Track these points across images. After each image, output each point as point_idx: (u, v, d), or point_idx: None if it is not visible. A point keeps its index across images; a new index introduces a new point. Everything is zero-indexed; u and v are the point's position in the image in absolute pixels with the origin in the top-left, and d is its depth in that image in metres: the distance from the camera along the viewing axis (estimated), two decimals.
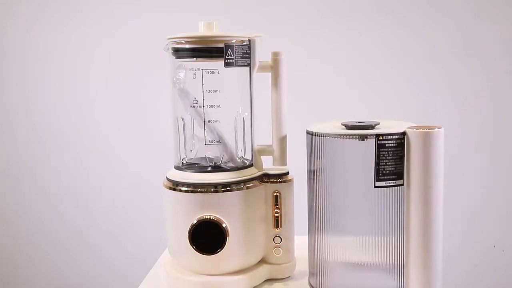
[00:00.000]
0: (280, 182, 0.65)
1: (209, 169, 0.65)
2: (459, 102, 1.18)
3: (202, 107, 0.65)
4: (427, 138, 0.53)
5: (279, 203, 0.65)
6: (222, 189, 0.62)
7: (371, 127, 0.56)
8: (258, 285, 0.66)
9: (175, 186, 0.63)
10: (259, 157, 0.68)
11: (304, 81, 1.19)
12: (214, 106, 0.65)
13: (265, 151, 0.68)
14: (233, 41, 0.63)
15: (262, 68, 0.66)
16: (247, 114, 0.67)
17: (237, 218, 0.62)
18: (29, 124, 1.32)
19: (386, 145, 0.54)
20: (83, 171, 1.32)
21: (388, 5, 1.17)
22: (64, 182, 1.33)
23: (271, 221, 0.66)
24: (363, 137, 0.55)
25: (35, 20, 1.27)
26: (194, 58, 0.64)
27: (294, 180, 0.66)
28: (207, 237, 0.62)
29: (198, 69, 0.64)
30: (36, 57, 1.29)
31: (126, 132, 1.28)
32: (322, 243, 0.60)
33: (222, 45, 0.62)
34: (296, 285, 0.66)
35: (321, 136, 0.58)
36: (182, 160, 0.68)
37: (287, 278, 0.68)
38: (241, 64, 0.64)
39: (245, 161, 0.68)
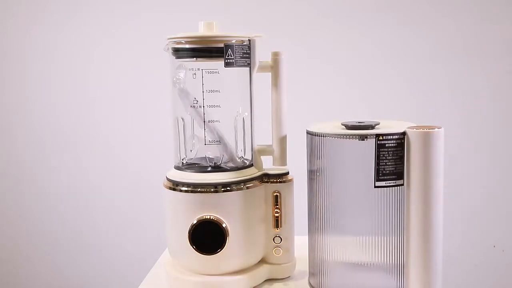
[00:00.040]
0: (280, 182, 0.65)
1: (209, 169, 0.65)
2: (459, 102, 1.18)
3: (202, 107, 0.65)
4: (427, 138, 0.53)
5: (279, 203, 0.65)
6: (222, 189, 0.62)
7: (371, 127, 0.56)
8: (258, 285, 0.66)
9: (175, 186, 0.63)
10: (259, 157, 0.68)
11: (304, 81, 1.19)
12: (214, 106, 0.65)
13: (265, 151, 0.68)
14: (233, 41, 0.63)
15: (262, 68, 0.66)
16: (247, 114, 0.67)
17: (237, 218, 0.62)
18: (29, 124, 1.32)
19: (386, 145, 0.54)
20: (83, 171, 1.32)
21: (388, 5, 1.17)
22: (64, 182, 1.33)
23: (271, 221, 0.66)
24: (363, 137, 0.55)
25: (35, 20, 1.27)
26: (194, 58, 0.64)
27: (294, 180, 0.66)
28: (207, 237, 0.62)
29: (198, 69, 0.64)
30: (36, 57, 1.29)
31: (126, 132, 1.28)
32: (322, 243, 0.60)
33: (222, 45, 0.62)
34: (296, 285, 0.66)
35: (321, 136, 0.58)
36: (182, 160, 0.68)
37: (287, 278, 0.68)
38: (241, 64, 0.64)
39: (245, 161, 0.68)
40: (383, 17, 1.18)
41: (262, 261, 0.67)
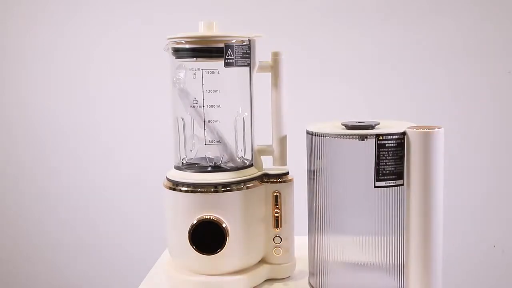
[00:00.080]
0: (280, 182, 0.65)
1: (209, 169, 0.65)
2: (459, 102, 1.18)
3: (202, 107, 0.65)
4: (427, 138, 0.53)
5: (279, 203, 0.65)
6: (222, 189, 0.62)
7: (371, 127, 0.56)
8: (258, 285, 0.66)
9: (175, 186, 0.63)
10: (259, 157, 0.68)
11: (304, 81, 1.19)
12: (214, 106, 0.65)
13: (265, 151, 0.68)
14: (233, 41, 0.63)
15: (262, 68, 0.66)
16: (247, 114, 0.67)
17: (237, 218, 0.62)
18: (29, 124, 1.32)
19: (386, 145, 0.54)
20: (83, 171, 1.32)
21: (388, 5, 1.17)
22: (64, 182, 1.33)
23: (271, 221, 0.66)
24: (363, 137, 0.55)
25: (35, 20, 1.27)
26: (194, 58, 0.64)
27: (294, 180, 0.66)
28: (207, 237, 0.62)
29: (198, 69, 0.64)
30: (36, 57, 1.29)
31: (126, 132, 1.28)
32: (322, 243, 0.60)
33: (222, 45, 0.62)
34: (296, 285, 0.66)
35: (321, 136, 0.58)
36: (182, 160, 0.68)
37: (287, 278, 0.68)
38: (241, 64, 0.64)
39: (245, 161, 0.68)
40: (383, 17, 1.18)
41: (262, 261, 0.67)
